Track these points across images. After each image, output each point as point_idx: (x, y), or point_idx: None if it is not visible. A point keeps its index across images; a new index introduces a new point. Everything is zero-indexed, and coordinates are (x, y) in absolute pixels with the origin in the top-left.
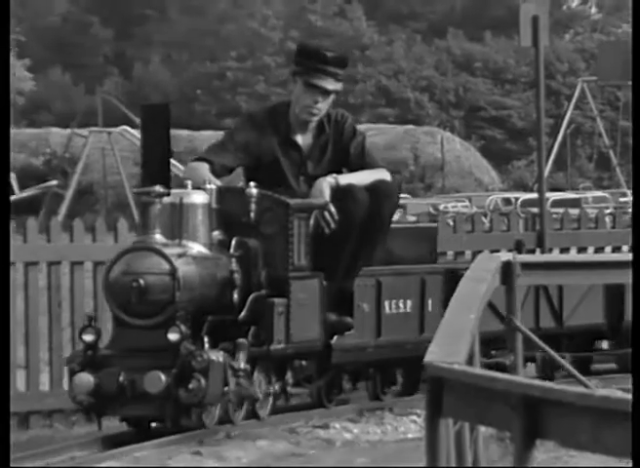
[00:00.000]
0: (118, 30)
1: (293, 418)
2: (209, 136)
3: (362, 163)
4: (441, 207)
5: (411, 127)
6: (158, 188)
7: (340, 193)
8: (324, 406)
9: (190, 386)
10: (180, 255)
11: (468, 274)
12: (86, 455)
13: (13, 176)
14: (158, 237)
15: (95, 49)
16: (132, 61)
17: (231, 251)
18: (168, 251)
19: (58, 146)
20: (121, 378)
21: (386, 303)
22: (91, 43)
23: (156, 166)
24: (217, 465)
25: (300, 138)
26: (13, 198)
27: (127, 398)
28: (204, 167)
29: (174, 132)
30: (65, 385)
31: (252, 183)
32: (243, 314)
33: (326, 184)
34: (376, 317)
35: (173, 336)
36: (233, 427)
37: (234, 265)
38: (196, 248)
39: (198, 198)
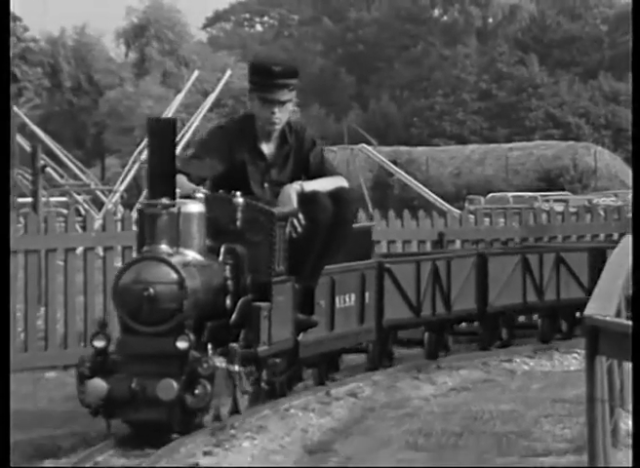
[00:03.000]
0: (358, 77)
1: (485, 355)
2: (422, 151)
3: (321, 171)
4: (594, 201)
5: (571, 143)
6: (164, 200)
7: (306, 199)
8: (284, 394)
9: (197, 392)
10: (184, 265)
11: (617, 251)
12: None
13: None
14: (164, 247)
15: (342, 91)
16: (368, 99)
17: (221, 257)
18: (174, 260)
19: None
20: (133, 385)
21: (337, 299)
22: (339, 86)
23: (162, 178)
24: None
25: (264, 147)
26: None
27: (137, 403)
28: (182, 179)
29: (398, 148)
30: None
31: (237, 193)
32: (233, 318)
33: (293, 191)
34: (330, 312)
35: (181, 345)
36: (442, 360)
37: (228, 272)
38: (191, 255)
39: (194, 207)
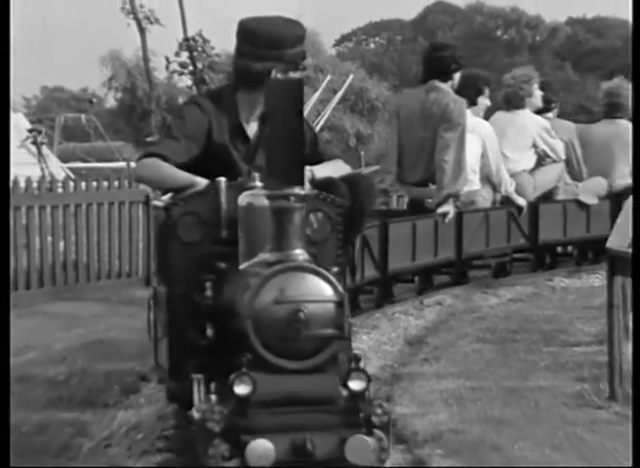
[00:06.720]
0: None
1: (535, 276)
2: None
3: (317, 153)
4: None
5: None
6: (298, 190)
7: (321, 187)
8: None
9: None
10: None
11: (634, 194)
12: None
13: None
14: (301, 253)
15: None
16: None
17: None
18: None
19: None
20: (307, 445)
21: None
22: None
23: (287, 160)
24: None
25: (247, 127)
26: None
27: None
28: (166, 165)
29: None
30: None
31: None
32: None
33: (305, 178)
34: None
35: (357, 385)
36: (502, 280)
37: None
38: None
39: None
